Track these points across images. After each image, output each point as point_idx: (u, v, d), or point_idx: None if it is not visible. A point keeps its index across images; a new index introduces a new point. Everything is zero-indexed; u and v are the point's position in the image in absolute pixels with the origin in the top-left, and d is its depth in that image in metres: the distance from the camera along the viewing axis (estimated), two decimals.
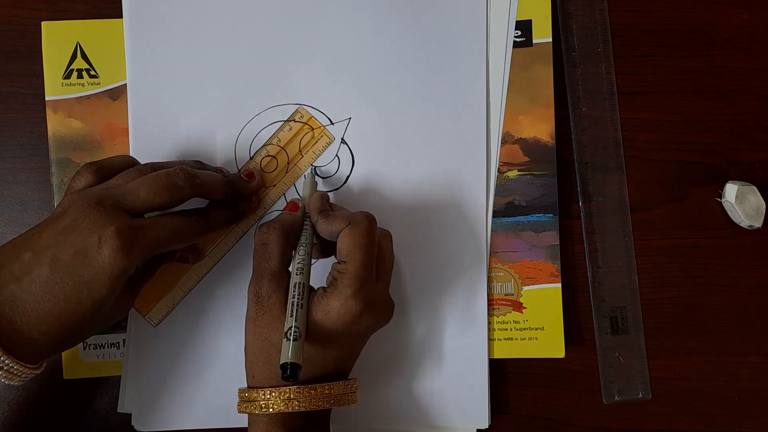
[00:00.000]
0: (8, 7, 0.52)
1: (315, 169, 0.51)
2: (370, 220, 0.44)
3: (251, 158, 0.51)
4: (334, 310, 0.42)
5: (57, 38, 0.51)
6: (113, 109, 0.51)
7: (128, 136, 0.51)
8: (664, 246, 0.53)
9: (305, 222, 0.46)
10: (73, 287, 0.39)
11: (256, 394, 0.42)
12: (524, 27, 0.52)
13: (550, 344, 0.51)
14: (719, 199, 0.52)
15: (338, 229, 0.43)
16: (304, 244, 0.45)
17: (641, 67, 0.53)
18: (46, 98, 0.51)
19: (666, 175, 0.53)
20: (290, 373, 0.39)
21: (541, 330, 0.51)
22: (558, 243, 0.51)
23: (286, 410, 0.42)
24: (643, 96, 0.53)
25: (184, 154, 0.51)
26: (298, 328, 0.40)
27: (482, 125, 0.51)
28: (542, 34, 0.52)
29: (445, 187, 0.51)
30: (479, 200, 0.51)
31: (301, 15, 0.51)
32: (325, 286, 0.43)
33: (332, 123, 0.51)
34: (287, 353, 0.40)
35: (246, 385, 0.45)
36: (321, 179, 0.51)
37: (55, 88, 0.51)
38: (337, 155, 0.51)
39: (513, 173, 0.52)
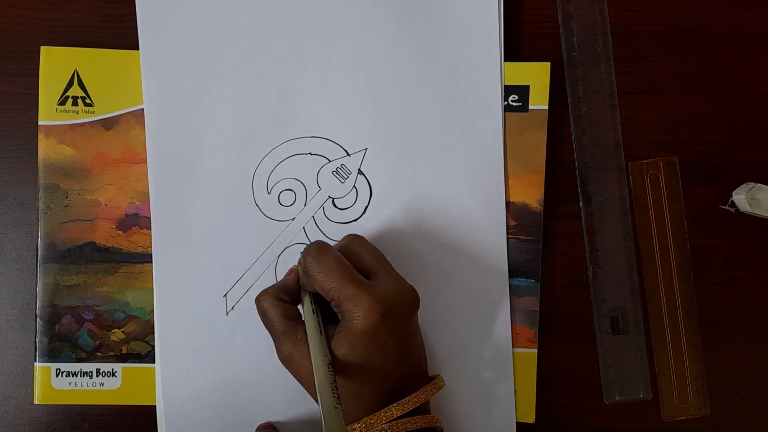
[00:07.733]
0: (8, 7, 0.52)
1: (333, 201, 0.51)
2: (312, 245, 0.44)
3: (269, 193, 0.51)
4: (353, 334, 0.42)
5: (55, 63, 0.51)
6: (105, 139, 0.51)
7: (118, 166, 0.51)
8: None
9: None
10: None
11: None
12: (521, 92, 0.51)
13: (521, 408, 0.51)
14: (730, 209, 0.52)
15: (297, 278, 0.46)
16: (308, 309, 0.45)
17: (641, 67, 0.53)
18: (39, 123, 0.51)
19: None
20: None
21: (514, 393, 0.51)
22: (537, 309, 0.51)
23: None
24: (643, 96, 0.53)
25: (202, 191, 0.51)
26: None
27: (499, 152, 0.51)
28: (539, 101, 0.51)
29: (464, 214, 0.51)
30: (499, 224, 0.51)
31: (316, 46, 0.51)
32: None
33: (348, 154, 0.51)
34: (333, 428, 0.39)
35: None
36: (339, 211, 0.51)
37: (49, 114, 0.51)
38: (354, 186, 0.51)
39: None
